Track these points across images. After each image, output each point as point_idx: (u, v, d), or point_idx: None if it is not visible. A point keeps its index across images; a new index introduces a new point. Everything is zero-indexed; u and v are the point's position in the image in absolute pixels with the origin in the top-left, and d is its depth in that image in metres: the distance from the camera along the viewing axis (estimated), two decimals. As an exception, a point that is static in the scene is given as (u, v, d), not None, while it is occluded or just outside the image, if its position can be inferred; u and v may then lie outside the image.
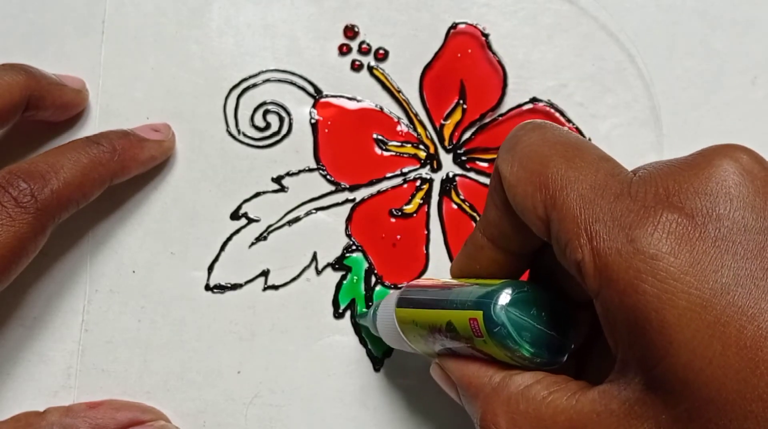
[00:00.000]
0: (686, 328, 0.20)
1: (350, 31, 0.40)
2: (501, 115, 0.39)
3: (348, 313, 0.38)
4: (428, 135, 0.39)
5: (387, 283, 0.38)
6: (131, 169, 0.36)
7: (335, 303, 0.38)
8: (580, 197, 0.23)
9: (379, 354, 0.37)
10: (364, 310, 0.37)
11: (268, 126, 0.39)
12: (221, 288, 0.38)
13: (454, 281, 0.29)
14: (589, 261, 0.22)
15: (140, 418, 0.35)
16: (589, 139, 0.39)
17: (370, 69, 0.40)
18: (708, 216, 0.21)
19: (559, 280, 0.28)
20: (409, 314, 0.30)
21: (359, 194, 0.39)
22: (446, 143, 0.39)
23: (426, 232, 0.39)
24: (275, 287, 0.38)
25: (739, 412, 0.20)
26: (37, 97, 0.35)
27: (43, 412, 0.34)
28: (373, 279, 0.38)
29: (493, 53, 0.40)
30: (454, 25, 0.40)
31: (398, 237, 0.38)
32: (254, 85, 0.39)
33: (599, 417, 0.22)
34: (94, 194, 0.34)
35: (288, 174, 0.39)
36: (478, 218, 0.39)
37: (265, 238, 0.38)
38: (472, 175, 0.39)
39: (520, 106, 0.39)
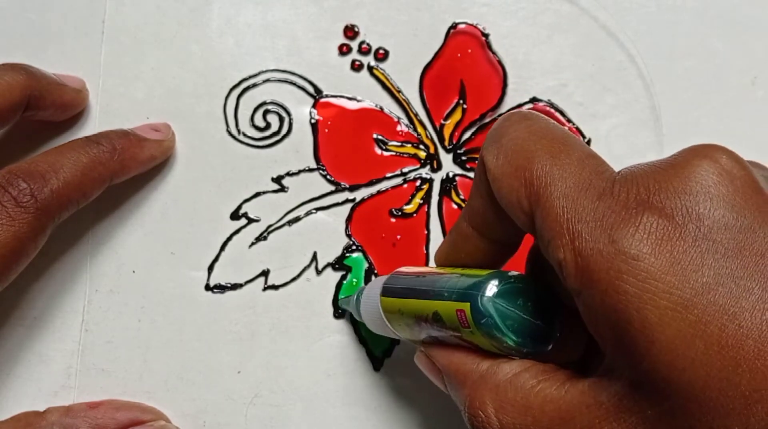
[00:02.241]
0: (668, 327, 0.20)
1: (350, 31, 0.40)
2: (501, 115, 0.39)
3: (348, 313, 0.38)
4: (428, 135, 0.39)
5: (387, 283, 0.38)
6: (131, 168, 0.36)
7: (335, 303, 0.38)
8: (563, 196, 0.23)
9: (379, 354, 0.37)
10: (346, 295, 0.37)
11: (268, 126, 0.39)
12: (221, 288, 0.38)
13: (440, 270, 0.29)
14: (571, 261, 0.22)
15: (140, 418, 0.35)
16: (589, 140, 0.39)
17: (370, 69, 0.40)
18: (688, 215, 0.21)
19: (552, 269, 0.28)
20: (395, 303, 0.29)
21: (359, 194, 0.39)
22: (446, 143, 0.39)
23: (426, 232, 0.39)
24: (275, 287, 0.38)
25: (722, 411, 0.20)
26: (37, 97, 0.35)
27: (43, 412, 0.34)
28: (373, 279, 0.38)
29: (493, 53, 0.39)
30: (454, 25, 0.40)
31: (398, 237, 0.38)
32: (254, 85, 0.39)
33: (588, 409, 0.22)
34: (94, 194, 0.34)
35: (288, 174, 0.39)
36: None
37: (265, 238, 0.38)
38: (472, 175, 0.39)
39: (520, 106, 0.39)
